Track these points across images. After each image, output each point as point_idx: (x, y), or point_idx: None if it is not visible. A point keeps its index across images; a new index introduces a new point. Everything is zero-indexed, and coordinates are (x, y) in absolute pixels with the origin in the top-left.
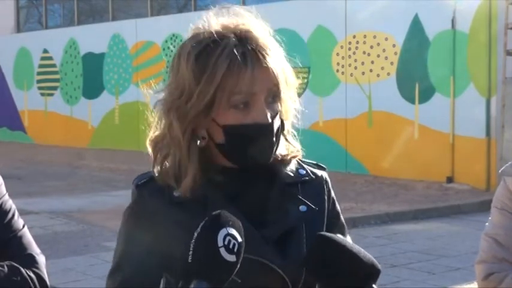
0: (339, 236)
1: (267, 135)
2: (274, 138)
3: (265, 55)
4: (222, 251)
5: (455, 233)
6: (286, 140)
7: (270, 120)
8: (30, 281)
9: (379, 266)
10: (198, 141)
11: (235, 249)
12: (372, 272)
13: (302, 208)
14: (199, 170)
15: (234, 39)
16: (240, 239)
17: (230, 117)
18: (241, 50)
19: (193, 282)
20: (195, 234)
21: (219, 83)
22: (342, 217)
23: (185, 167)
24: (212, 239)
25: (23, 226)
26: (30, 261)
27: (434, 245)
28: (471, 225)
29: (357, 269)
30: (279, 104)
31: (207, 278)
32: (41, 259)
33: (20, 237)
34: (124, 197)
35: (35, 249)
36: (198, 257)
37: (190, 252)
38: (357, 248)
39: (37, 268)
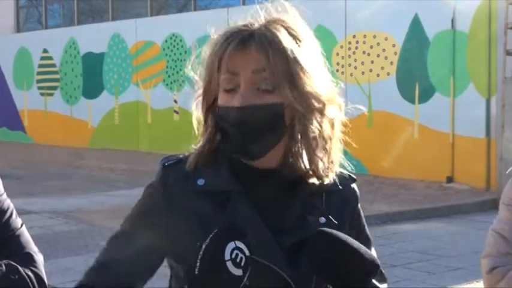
0: (340, 233)
1: (238, 120)
2: (260, 125)
3: (263, 40)
4: (229, 264)
5: (455, 232)
6: (313, 151)
7: (243, 104)
8: (28, 280)
9: (379, 262)
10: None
11: (242, 263)
12: (372, 268)
13: (321, 220)
14: (224, 162)
15: (237, 29)
16: (247, 253)
17: (221, 100)
18: (233, 36)
19: None
20: (203, 246)
21: (208, 65)
22: (367, 230)
23: (214, 157)
24: (219, 252)
25: (21, 225)
26: (29, 260)
27: (434, 245)
28: (471, 225)
29: (358, 264)
30: (279, 95)
31: None
32: (39, 258)
33: (18, 236)
34: (123, 197)
35: (33, 248)
36: (205, 269)
37: (198, 264)
38: (358, 244)
39: (35, 267)
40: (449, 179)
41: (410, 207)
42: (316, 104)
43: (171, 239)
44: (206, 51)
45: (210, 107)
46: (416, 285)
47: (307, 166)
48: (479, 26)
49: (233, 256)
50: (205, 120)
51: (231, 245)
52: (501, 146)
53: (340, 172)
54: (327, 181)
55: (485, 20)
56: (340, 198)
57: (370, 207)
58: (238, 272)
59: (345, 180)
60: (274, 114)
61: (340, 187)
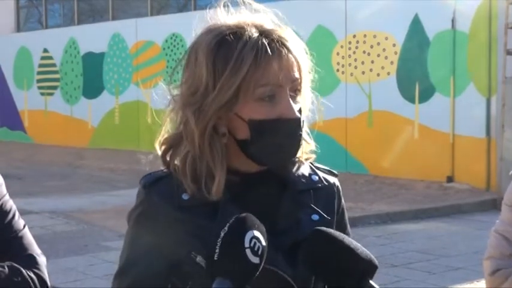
0: (337, 232)
1: (294, 131)
2: (301, 134)
3: (289, 46)
4: (248, 252)
5: (455, 232)
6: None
7: (298, 115)
8: (31, 282)
9: (377, 262)
10: (223, 139)
11: (260, 252)
12: (369, 268)
13: (314, 217)
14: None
15: (255, 30)
16: (264, 243)
17: (255, 111)
18: (266, 40)
19: (216, 280)
20: (222, 233)
21: (244, 74)
22: (349, 227)
23: (208, 168)
24: (239, 239)
25: (24, 226)
26: (31, 262)
27: (434, 245)
28: (471, 225)
29: (354, 264)
30: (299, 98)
31: (230, 277)
32: (42, 260)
33: (21, 238)
34: (124, 197)
35: (36, 250)
36: (224, 255)
37: (217, 250)
38: (355, 244)
39: (38, 269)
40: (450, 179)
41: (411, 207)
42: (309, 94)
43: (166, 254)
44: (222, 55)
45: (222, 116)
46: (416, 285)
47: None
48: (479, 26)
49: (251, 244)
50: (204, 129)
51: (250, 234)
52: (501, 145)
53: (321, 168)
54: (307, 173)
55: (486, 20)
56: (326, 194)
57: (370, 207)
58: (256, 260)
59: (326, 176)
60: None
61: (325, 183)
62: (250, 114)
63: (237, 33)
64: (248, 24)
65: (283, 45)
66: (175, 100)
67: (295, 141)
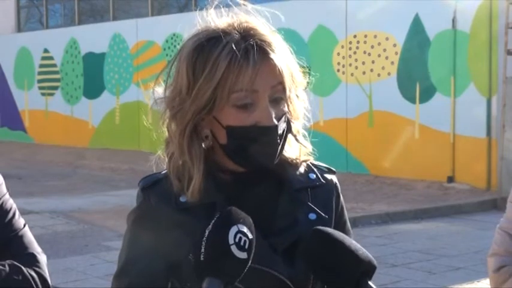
0: (337, 231)
1: (270, 138)
2: (279, 141)
3: (269, 51)
4: (234, 248)
5: (456, 232)
6: (297, 141)
7: (274, 122)
8: (31, 280)
9: (376, 263)
10: (203, 143)
11: (246, 246)
12: (368, 269)
13: (311, 216)
14: (205, 172)
15: (236, 35)
16: (250, 236)
17: (233, 117)
18: (243, 45)
19: (206, 280)
20: (207, 232)
21: (219, 79)
22: (348, 223)
23: (188, 169)
24: (223, 237)
25: (24, 225)
26: (32, 260)
27: (434, 245)
28: (472, 225)
29: (354, 265)
30: (285, 103)
31: (219, 276)
32: (43, 258)
33: (21, 237)
34: (124, 197)
35: (36, 248)
36: (210, 255)
37: (202, 251)
38: (355, 245)
39: (39, 267)
40: (450, 179)
41: (411, 207)
42: (302, 98)
43: (165, 256)
44: (200, 61)
45: (202, 120)
46: (416, 285)
47: (292, 157)
48: (480, 25)
49: (237, 240)
50: (182, 131)
51: (234, 229)
52: (502, 145)
53: (319, 165)
54: (303, 171)
55: (486, 19)
56: (324, 192)
57: (371, 207)
58: (243, 255)
59: (324, 174)
60: (289, 122)
61: (323, 181)
62: (227, 119)
63: (216, 38)
64: (232, 28)
65: (263, 49)
66: (160, 103)
67: (271, 149)
